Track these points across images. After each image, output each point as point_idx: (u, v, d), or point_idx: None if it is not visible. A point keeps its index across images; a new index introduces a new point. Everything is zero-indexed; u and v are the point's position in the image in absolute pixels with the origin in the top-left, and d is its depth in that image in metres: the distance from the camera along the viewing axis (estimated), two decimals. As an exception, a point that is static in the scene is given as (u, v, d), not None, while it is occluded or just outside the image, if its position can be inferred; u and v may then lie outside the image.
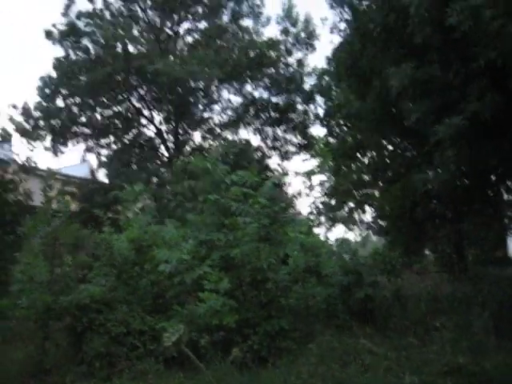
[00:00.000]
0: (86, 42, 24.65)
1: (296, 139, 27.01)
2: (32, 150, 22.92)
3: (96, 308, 10.43)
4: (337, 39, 16.38)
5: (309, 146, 27.22)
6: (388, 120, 13.55)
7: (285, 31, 26.29)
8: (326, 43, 21.45)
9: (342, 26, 15.53)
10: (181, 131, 26.51)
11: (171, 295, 10.84)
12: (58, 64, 24.52)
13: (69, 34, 24.40)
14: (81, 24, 24.51)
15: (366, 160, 20.03)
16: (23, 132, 23.87)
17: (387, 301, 12.27)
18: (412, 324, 11.12)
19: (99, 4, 26.03)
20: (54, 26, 24.58)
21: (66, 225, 11.18)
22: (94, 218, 13.33)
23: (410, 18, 10.70)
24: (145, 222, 12.34)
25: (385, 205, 19.79)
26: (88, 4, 25.56)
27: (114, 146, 26.31)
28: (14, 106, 24.26)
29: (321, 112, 25.92)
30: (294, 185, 30.45)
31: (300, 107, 26.65)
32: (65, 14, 24.66)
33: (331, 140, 23.14)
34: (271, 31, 25.75)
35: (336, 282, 12.02)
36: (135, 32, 25.22)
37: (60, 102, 24.89)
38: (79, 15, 24.47)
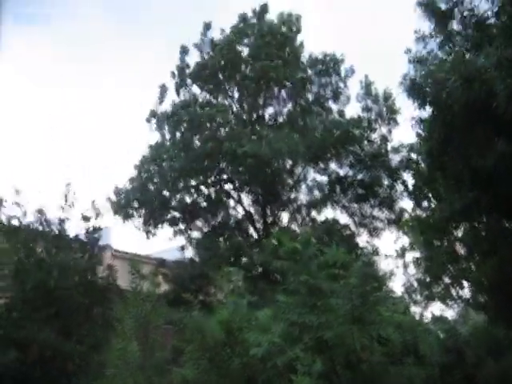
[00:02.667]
0: (179, 128, 26.24)
1: (384, 214, 26.62)
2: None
3: (190, 392, 10.40)
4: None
5: (397, 220, 26.71)
6: (485, 199, 13.36)
7: (366, 108, 26.52)
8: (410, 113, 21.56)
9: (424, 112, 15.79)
10: (269, 212, 26.83)
11: (263, 378, 10.64)
12: (153, 149, 26.03)
13: (166, 120, 26.24)
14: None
15: (458, 232, 19.41)
16: (116, 210, 25.19)
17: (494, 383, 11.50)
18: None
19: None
20: (153, 112, 26.76)
21: (157, 308, 11.39)
22: (185, 300, 13.51)
23: (494, 95, 10.63)
24: (236, 304, 12.33)
25: (482, 278, 18.88)
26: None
27: (203, 229, 26.97)
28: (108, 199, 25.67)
29: (408, 184, 25.52)
30: (385, 262, 29.84)
31: (386, 182, 26.41)
32: (160, 102, 27.00)
33: (420, 213, 22.63)
34: (352, 109, 26.44)
35: (435, 362, 11.43)
36: (224, 120, 26.38)
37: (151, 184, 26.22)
38: (176, 106, 26.23)
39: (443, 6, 15.96)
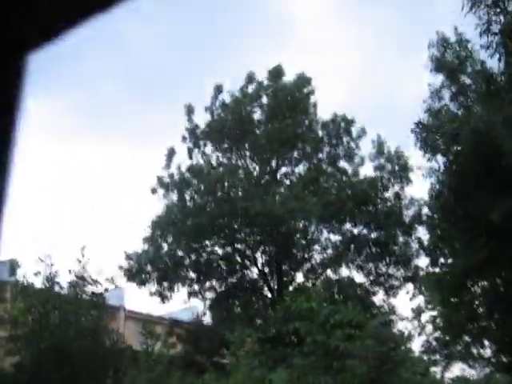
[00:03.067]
0: (189, 191, 26.26)
1: (399, 272, 26.29)
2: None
3: None
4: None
5: (414, 278, 26.31)
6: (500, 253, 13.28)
7: (379, 167, 26.53)
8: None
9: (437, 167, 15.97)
10: (283, 272, 26.57)
11: None
12: (164, 212, 26.01)
13: (172, 188, 26.19)
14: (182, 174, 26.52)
15: (477, 289, 18.99)
16: (129, 277, 24.95)
17: None
18: None
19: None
20: (159, 179, 26.55)
21: (170, 371, 11.18)
22: (199, 362, 13.25)
23: (503, 150, 10.75)
24: (250, 366, 12.06)
25: (505, 338, 18.31)
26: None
27: (217, 289, 26.69)
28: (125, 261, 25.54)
29: (423, 240, 25.18)
30: (402, 322, 29.13)
31: (401, 239, 26.20)
32: (167, 166, 26.84)
33: (437, 270, 22.25)
34: (366, 168, 26.52)
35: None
36: (236, 181, 26.42)
37: (165, 247, 26.14)
38: (187, 170, 26.41)
39: (454, 61, 16.23)
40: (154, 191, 26.64)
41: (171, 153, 27.04)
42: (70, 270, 18.88)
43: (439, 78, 16.84)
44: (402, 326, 28.35)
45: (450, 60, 16.30)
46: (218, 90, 27.17)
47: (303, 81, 27.18)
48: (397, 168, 26.32)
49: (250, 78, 27.07)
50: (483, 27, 14.78)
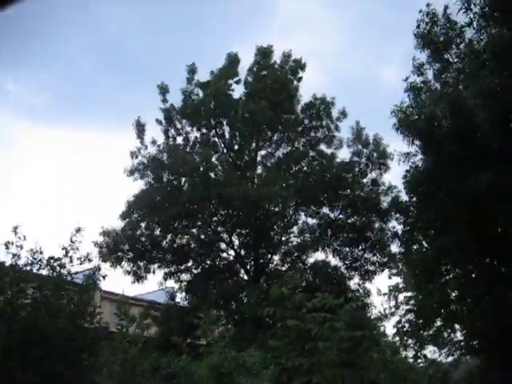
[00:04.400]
0: (166, 172, 26.11)
1: (375, 257, 26.54)
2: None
3: None
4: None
5: (389, 263, 26.61)
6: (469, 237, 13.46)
7: (357, 153, 26.59)
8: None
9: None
10: (260, 254, 26.64)
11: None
12: (141, 192, 25.82)
13: (149, 169, 26.01)
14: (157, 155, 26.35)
15: (450, 275, 19.31)
16: (105, 257, 24.76)
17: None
18: None
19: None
20: (131, 153, 26.36)
21: (144, 352, 11.20)
22: (173, 344, 13.27)
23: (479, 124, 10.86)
24: (224, 347, 12.11)
25: (475, 322, 18.68)
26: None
27: (193, 271, 26.70)
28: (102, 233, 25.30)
29: (399, 228, 25.43)
30: (377, 305, 29.42)
31: (377, 225, 26.40)
32: (140, 139, 26.49)
33: (412, 256, 22.56)
34: (344, 153, 26.52)
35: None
36: (213, 160, 26.25)
37: (142, 226, 26.02)
38: (160, 150, 26.15)
39: (441, 37, 16.19)
40: (131, 172, 26.33)
41: (140, 127, 26.45)
42: (34, 249, 18.45)
43: (424, 56, 16.76)
44: (379, 307, 28.68)
45: (437, 35, 16.15)
46: (193, 70, 26.85)
47: (295, 65, 26.99)
48: (375, 155, 26.38)
49: (230, 57, 26.78)
50: (464, 5, 14.81)
